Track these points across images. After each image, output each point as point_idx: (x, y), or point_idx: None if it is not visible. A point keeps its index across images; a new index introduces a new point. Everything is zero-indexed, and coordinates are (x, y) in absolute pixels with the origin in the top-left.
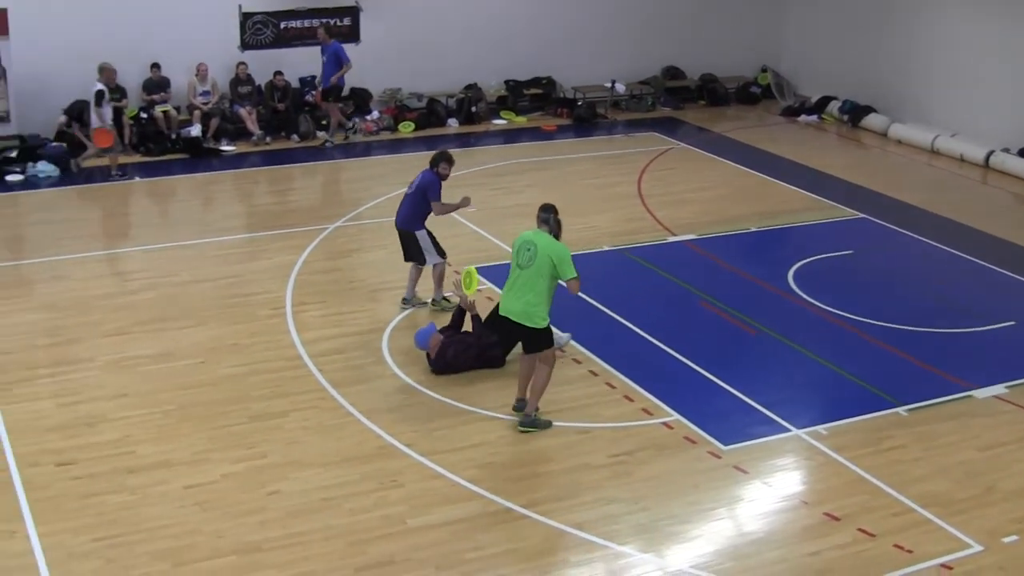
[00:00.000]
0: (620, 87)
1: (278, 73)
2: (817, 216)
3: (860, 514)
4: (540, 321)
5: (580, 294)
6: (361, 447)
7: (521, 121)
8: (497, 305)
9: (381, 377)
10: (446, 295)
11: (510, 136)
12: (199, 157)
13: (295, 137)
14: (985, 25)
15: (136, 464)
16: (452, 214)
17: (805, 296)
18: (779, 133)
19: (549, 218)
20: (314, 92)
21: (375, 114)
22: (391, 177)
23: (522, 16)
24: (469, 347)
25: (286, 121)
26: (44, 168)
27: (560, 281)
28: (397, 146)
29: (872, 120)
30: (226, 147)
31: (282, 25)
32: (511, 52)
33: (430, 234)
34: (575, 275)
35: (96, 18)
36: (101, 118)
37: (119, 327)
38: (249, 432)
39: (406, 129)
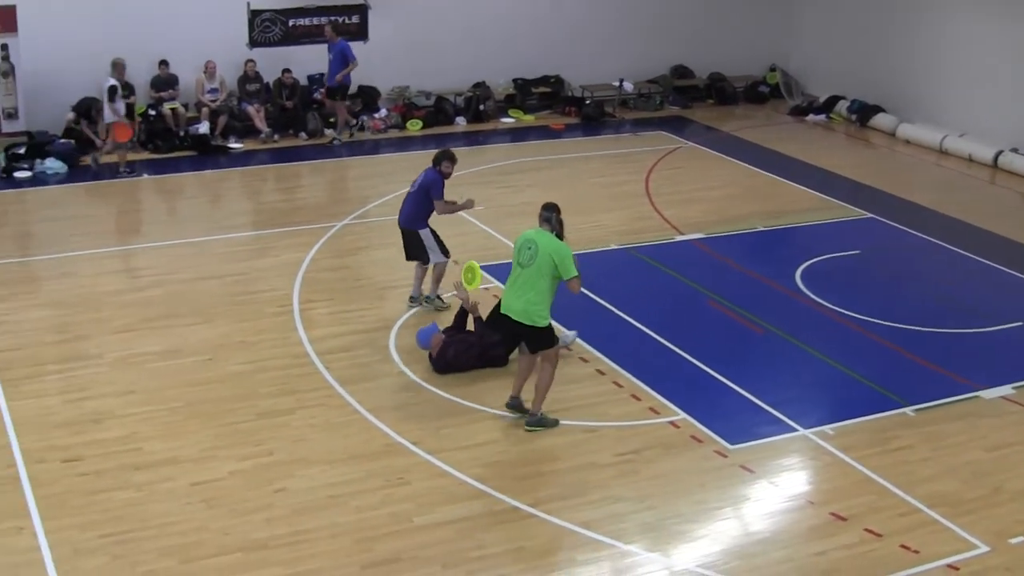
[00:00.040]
0: (628, 86)
1: (286, 71)
2: (825, 216)
3: (867, 514)
4: (541, 320)
5: (588, 293)
6: (368, 445)
7: (529, 119)
8: (499, 304)
9: (388, 375)
10: (440, 294)
11: (518, 134)
12: (207, 154)
13: (303, 135)
14: (993, 25)
15: (143, 461)
16: (460, 213)
17: (812, 296)
18: (787, 132)
19: (551, 217)
20: (321, 90)
21: (383, 112)
22: (399, 175)
23: (530, 15)
24: (471, 347)
25: (294, 119)
26: (52, 165)
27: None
28: (405, 144)
29: (880, 120)
30: (234, 144)
31: (290, 23)
32: (519, 50)
33: (434, 233)
34: (576, 274)
35: (105, 15)
36: (116, 113)
37: (127, 324)
38: (256, 429)
39: (414, 127)
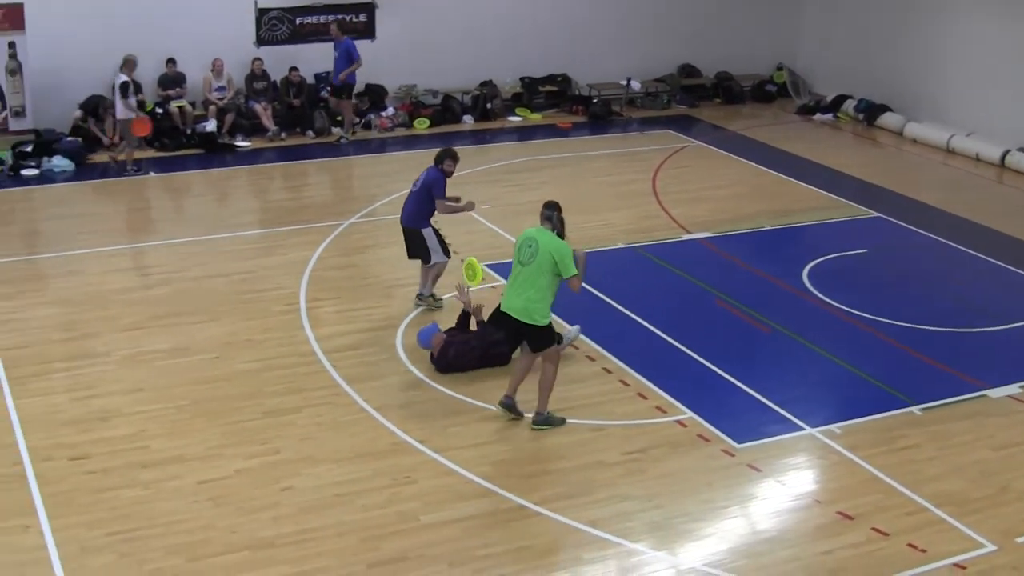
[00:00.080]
0: (635, 84)
1: (293, 69)
2: (832, 215)
3: (873, 513)
4: (541, 319)
5: (595, 291)
6: (374, 443)
7: (536, 118)
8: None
9: (395, 373)
10: (435, 293)
11: (525, 133)
12: (214, 152)
13: (310, 133)
14: (1001, 25)
15: (150, 459)
16: (468, 212)
17: (820, 295)
18: (794, 131)
19: (552, 215)
20: (328, 88)
21: (390, 110)
22: (406, 174)
23: (537, 13)
24: (472, 347)
25: (301, 117)
26: (59, 163)
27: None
28: (412, 142)
29: (887, 119)
30: (241, 143)
31: (298, 21)
32: (526, 49)
33: (436, 232)
34: (576, 272)
35: (112, 13)
36: (130, 108)
37: (134, 322)
38: (263, 428)
39: (421, 126)
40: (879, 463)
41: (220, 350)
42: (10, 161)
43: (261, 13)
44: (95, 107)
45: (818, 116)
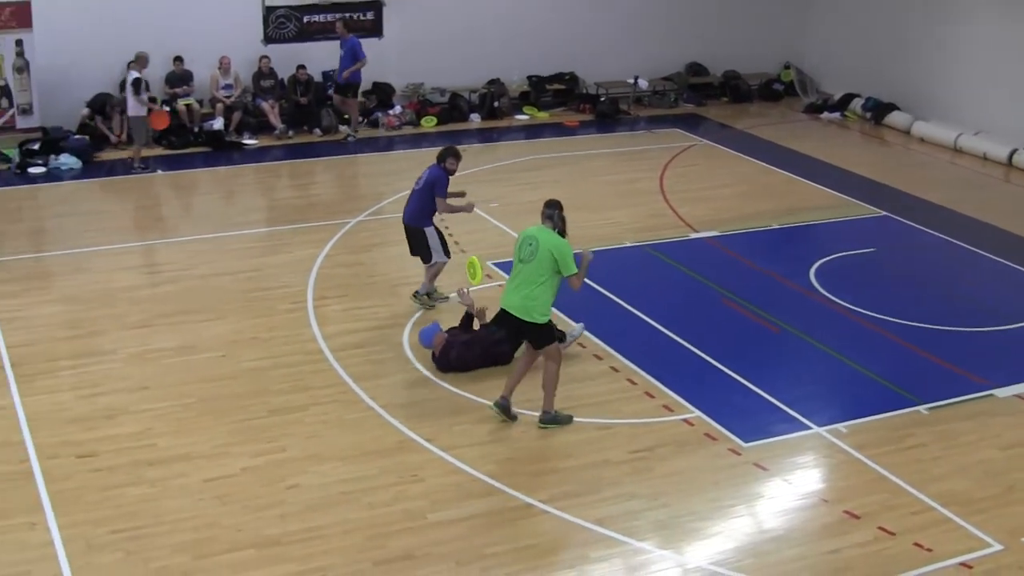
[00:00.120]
0: (643, 83)
1: (301, 67)
2: (839, 213)
3: (880, 512)
4: (540, 317)
5: (601, 289)
6: (381, 441)
7: (543, 116)
8: None
9: (401, 371)
10: (430, 292)
11: (532, 131)
12: (221, 150)
13: (317, 131)
14: (1008, 24)
15: (156, 457)
16: (476, 210)
17: (827, 294)
18: (802, 130)
19: (553, 214)
20: (332, 85)
21: (397, 109)
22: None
23: (545, 11)
24: (473, 347)
25: (308, 115)
26: (67, 160)
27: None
28: (419, 141)
29: (895, 118)
30: (248, 141)
31: (305, 19)
32: (534, 47)
33: (438, 231)
34: (576, 271)
35: (119, 11)
36: (143, 104)
37: (140, 320)
38: (269, 426)
39: (428, 124)
40: (886, 462)
41: (227, 348)
42: (17, 159)
43: (268, 11)
44: (102, 105)
45: (825, 115)
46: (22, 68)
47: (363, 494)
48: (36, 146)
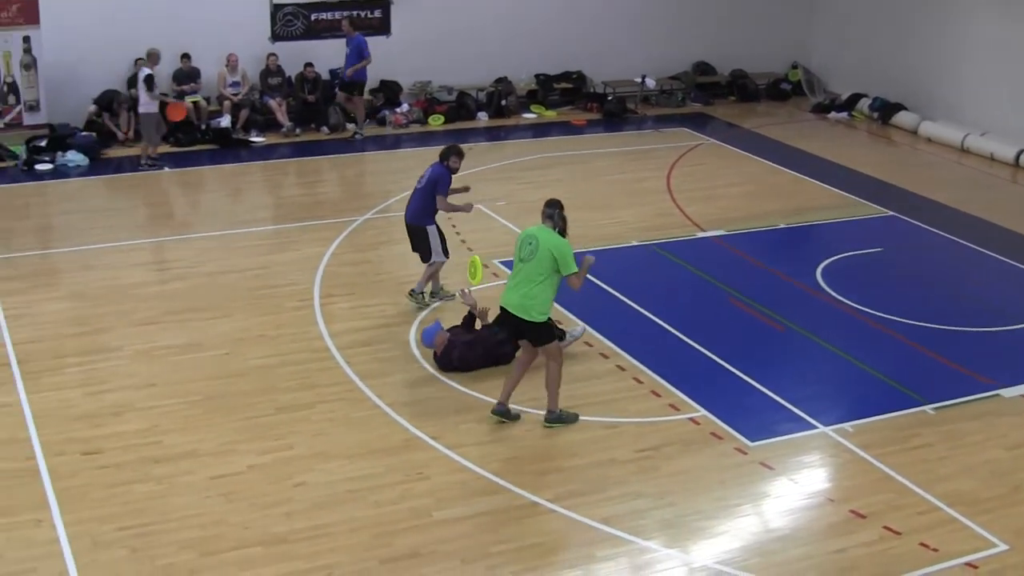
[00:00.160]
0: (650, 82)
1: (308, 65)
2: (846, 213)
3: (886, 512)
4: (538, 315)
5: (608, 288)
6: (387, 439)
7: (551, 115)
8: None
9: (408, 370)
10: (425, 292)
11: (540, 130)
12: (228, 148)
13: (325, 129)
14: (1016, 25)
15: (162, 454)
16: (483, 209)
17: (833, 293)
18: (809, 130)
19: (554, 214)
20: (338, 83)
21: (405, 107)
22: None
23: (553, 10)
24: (474, 347)
25: (316, 113)
26: (74, 157)
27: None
28: (426, 139)
29: (902, 118)
30: (255, 138)
31: (312, 17)
32: (541, 46)
33: (439, 231)
34: (576, 270)
35: (127, 8)
36: (155, 99)
37: (147, 317)
38: (276, 423)
39: (436, 122)
40: (892, 462)
41: (233, 346)
42: (24, 155)
43: (276, 9)
44: (109, 102)
45: (833, 114)
46: (29, 65)
47: (369, 492)
48: (43, 143)
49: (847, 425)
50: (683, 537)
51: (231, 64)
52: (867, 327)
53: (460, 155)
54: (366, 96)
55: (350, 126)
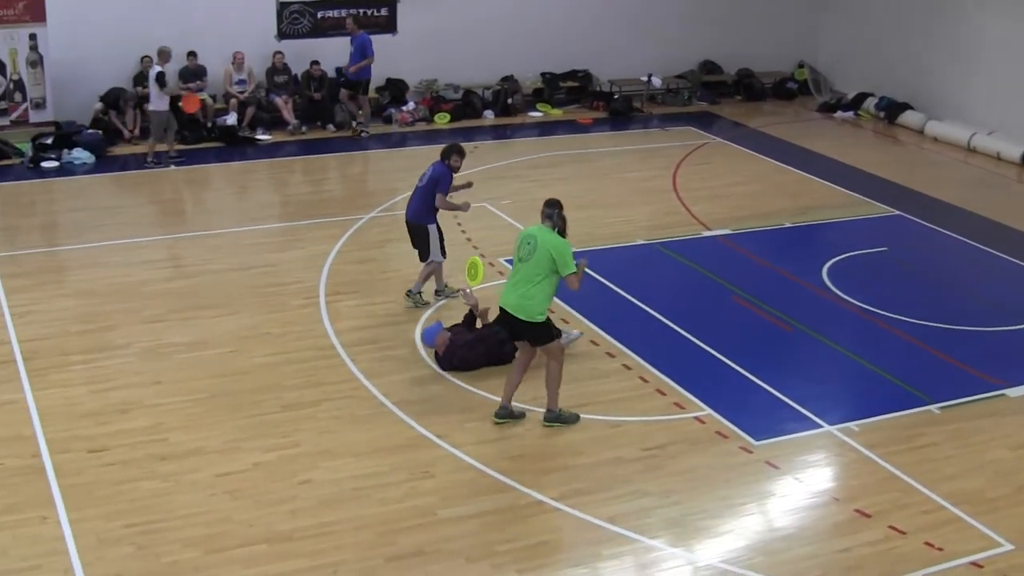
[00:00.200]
0: (656, 81)
1: (314, 63)
2: (852, 212)
3: (891, 511)
4: (537, 316)
5: (614, 287)
6: (393, 438)
7: (557, 114)
8: None
9: (414, 368)
10: (422, 292)
11: (546, 128)
12: (235, 146)
13: (331, 127)
14: (1022, 23)
15: (168, 452)
16: (487, 206)
17: (839, 292)
18: (815, 129)
19: (553, 213)
20: (342, 80)
21: (411, 105)
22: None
23: (559, 9)
24: (476, 346)
25: (322, 111)
26: (80, 155)
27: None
28: (432, 137)
29: (908, 117)
30: (262, 136)
31: (319, 15)
32: (548, 44)
33: (439, 230)
34: (575, 270)
35: (133, 5)
36: (168, 93)
37: (153, 315)
38: (281, 421)
39: (442, 120)
40: (897, 461)
41: (239, 343)
42: (30, 153)
43: (282, 7)
44: (116, 99)
45: (839, 114)
46: (36, 62)
47: (375, 490)
48: (49, 140)
49: (852, 424)
50: (688, 536)
51: (237, 62)
52: (873, 326)
53: (461, 154)
54: (371, 94)
55: (356, 124)
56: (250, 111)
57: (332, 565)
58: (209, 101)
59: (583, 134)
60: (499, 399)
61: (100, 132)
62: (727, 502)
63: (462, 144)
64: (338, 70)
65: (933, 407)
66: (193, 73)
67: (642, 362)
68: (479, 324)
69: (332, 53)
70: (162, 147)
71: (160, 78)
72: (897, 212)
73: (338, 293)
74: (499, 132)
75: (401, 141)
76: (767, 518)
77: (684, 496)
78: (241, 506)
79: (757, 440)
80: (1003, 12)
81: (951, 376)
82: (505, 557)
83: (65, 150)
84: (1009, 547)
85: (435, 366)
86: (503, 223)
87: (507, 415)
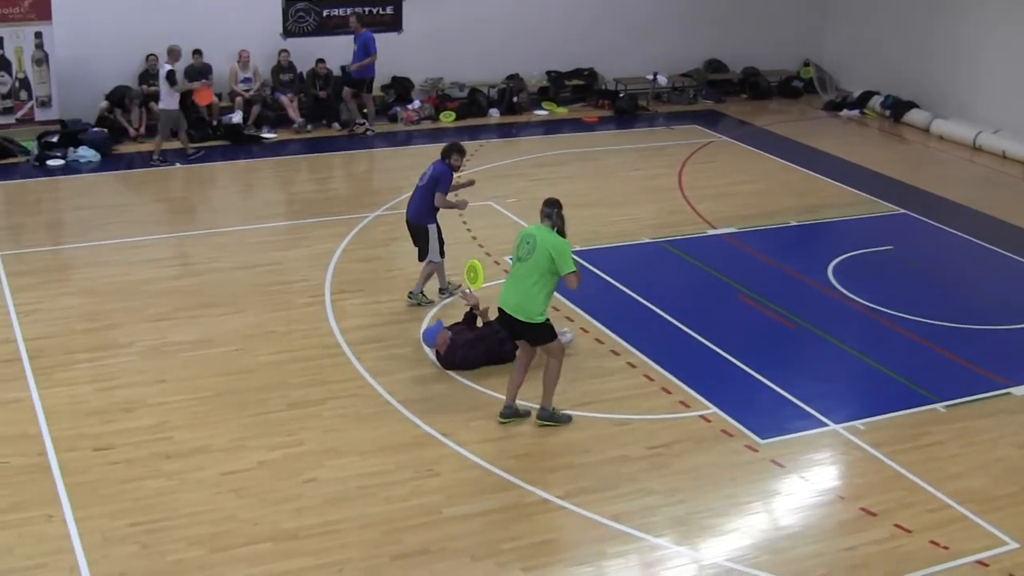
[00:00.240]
0: (662, 79)
1: (320, 61)
2: (857, 211)
3: (897, 510)
4: (537, 316)
5: (619, 286)
6: (398, 436)
7: (562, 112)
8: None
9: (419, 366)
10: (424, 292)
11: (551, 127)
12: (240, 144)
13: (336, 125)
14: None
15: (173, 450)
16: (495, 207)
17: (844, 291)
18: (820, 128)
19: (552, 213)
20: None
21: (416, 103)
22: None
23: (564, 7)
24: (477, 345)
25: (327, 109)
26: (85, 153)
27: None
28: (438, 135)
29: (914, 115)
30: (267, 134)
31: (324, 13)
32: (553, 43)
33: (439, 230)
34: (574, 269)
35: (138, 4)
36: (179, 91)
37: (158, 313)
38: (286, 420)
39: (447, 119)
40: (902, 460)
41: (244, 342)
42: (36, 151)
43: (288, 5)
44: (121, 98)
45: (844, 112)
46: (41, 60)
47: (380, 488)
48: (55, 138)
49: (858, 423)
50: (693, 534)
51: (243, 60)
52: (878, 325)
53: (462, 153)
54: (377, 92)
55: (361, 122)
56: (255, 109)
57: (337, 563)
58: (215, 99)
59: (588, 132)
60: (504, 397)
61: (105, 130)
62: (732, 500)
63: (462, 143)
64: (343, 68)
65: (939, 406)
66: (199, 71)
67: (647, 360)
68: (479, 323)
69: (337, 51)
70: (171, 145)
71: (171, 76)
72: (903, 211)
73: (343, 291)
74: (504, 130)
75: (406, 139)
76: (772, 516)
77: (689, 494)
78: (246, 504)
79: (762, 438)
80: (1009, 11)
81: (957, 375)
82: (510, 555)
83: (71, 148)
84: (1015, 545)
85: (440, 364)
86: (508, 221)
87: (512, 414)
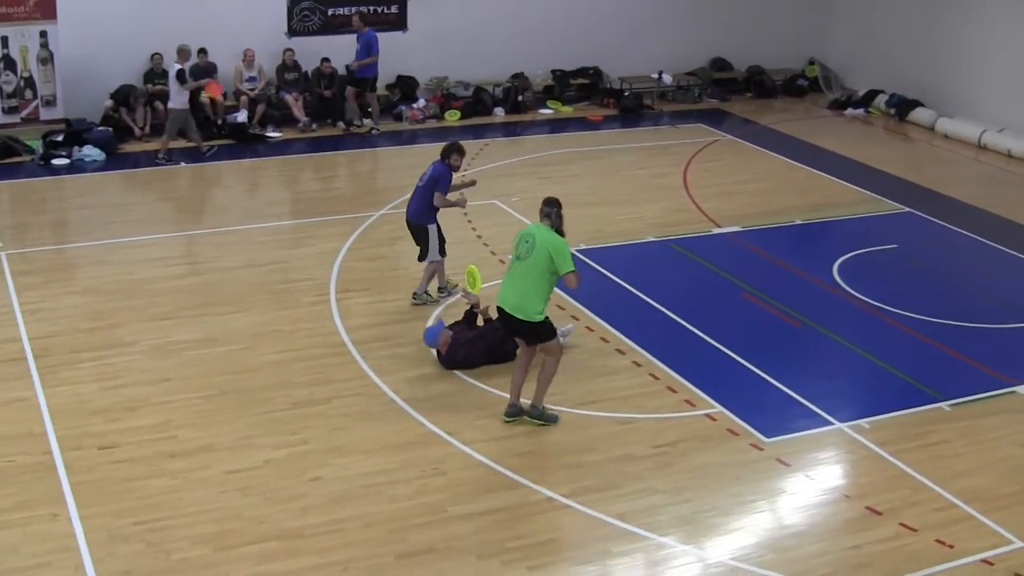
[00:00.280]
0: (667, 78)
1: (325, 60)
2: (862, 210)
3: (902, 508)
4: (535, 315)
5: (624, 284)
6: (403, 435)
7: (567, 111)
8: None
9: (424, 365)
10: (428, 291)
11: (556, 126)
12: (245, 143)
13: (341, 124)
14: None
15: (178, 449)
16: (500, 206)
17: (849, 289)
18: (826, 126)
19: (551, 212)
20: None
21: (421, 102)
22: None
23: (569, 6)
24: (477, 344)
25: (332, 108)
26: (90, 152)
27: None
28: (443, 134)
29: (919, 114)
30: (272, 133)
31: (329, 12)
32: (558, 42)
33: (439, 230)
34: (573, 269)
35: (143, 3)
36: (188, 91)
37: (163, 312)
38: (291, 418)
39: (452, 117)
40: (908, 458)
41: (249, 340)
42: (41, 150)
43: (293, 4)
44: (126, 97)
45: (849, 111)
46: (46, 59)
47: (385, 487)
48: (60, 138)
49: (863, 421)
50: (699, 533)
51: (248, 59)
52: (883, 323)
53: (461, 153)
54: (382, 91)
55: (366, 121)
56: (260, 108)
57: (342, 562)
58: (220, 98)
59: (593, 131)
60: (508, 396)
61: (110, 129)
62: (738, 499)
63: (462, 143)
64: (347, 67)
65: (944, 404)
66: (204, 70)
67: (652, 359)
68: (479, 321)
69: (342, 50)
70: (177, 144)
71: (180, 75)
72: (907, 209)
73: (348, 290)
74: (509, 129)
75: (411, 138)
76: (778, 515)
77: (695, 493)
78: (251, 503)
79: (768, 437)
80: (1013, 9)
81: (961, 373)
82: (515, 554)
83: (75, 147)
84: (1020, 544)
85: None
86: (513, 220)
87: (516, 413)
